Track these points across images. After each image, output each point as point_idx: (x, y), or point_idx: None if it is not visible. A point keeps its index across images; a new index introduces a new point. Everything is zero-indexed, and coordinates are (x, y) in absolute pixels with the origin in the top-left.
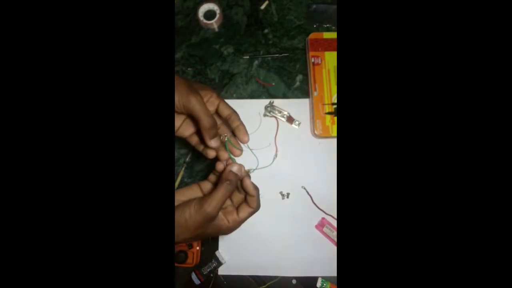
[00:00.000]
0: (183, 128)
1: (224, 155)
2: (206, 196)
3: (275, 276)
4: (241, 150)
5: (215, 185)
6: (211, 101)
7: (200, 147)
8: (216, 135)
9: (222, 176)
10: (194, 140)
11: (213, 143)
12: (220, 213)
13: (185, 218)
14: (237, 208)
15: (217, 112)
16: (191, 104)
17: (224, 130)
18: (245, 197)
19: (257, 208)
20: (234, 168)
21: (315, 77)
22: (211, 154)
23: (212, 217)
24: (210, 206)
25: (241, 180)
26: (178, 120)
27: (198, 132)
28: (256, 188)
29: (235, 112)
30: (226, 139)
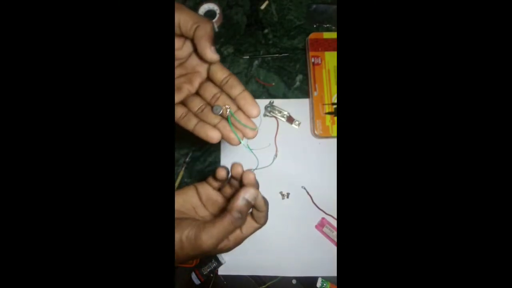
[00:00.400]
0: None
1: (231, 135)
2: (206, 225)
3: (275, 276)
4: (255, 128)
5: (219, 190)
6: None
7: (190, 123)
8: (213, 43)
9: (230, 205)
10: (179, 113)
11: (212, 52)
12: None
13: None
14: None
15: (208, 77)
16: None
17: (225, 101)
18: (252, 211)
19: (264, 223)
20: (248, 195)
21: (315, 77)
22: (215, 135)
23: (208, 253)
24: (208, 242)
25: None
26: None
27: (183, 102)
28: (266, 203)
29: (233, 75)
30: (228, 111)
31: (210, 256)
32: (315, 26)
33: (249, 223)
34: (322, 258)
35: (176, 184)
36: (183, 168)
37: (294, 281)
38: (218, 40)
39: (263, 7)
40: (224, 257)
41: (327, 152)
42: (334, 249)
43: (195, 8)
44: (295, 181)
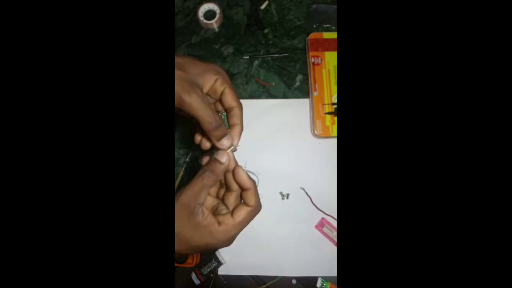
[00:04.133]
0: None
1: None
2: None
3: (275, 276)
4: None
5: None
6: (214, 88)
7: (198, 138)
8: (224, 134)
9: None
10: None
11: (225, 142)
12: (210, 216)
13: None
14: (233, 211)
15: (220, 99)
16: (186, 104)
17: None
18: (241, 194)
19: (256, 206)
20: (219, 156)
21: (315, 77)
22: (207, 145)
23: (190, 209)
24: (185, 195)
25: (233, 172)
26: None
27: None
28: (253, 181)
29: (240, 106)
30: (223, 115)
31: (210, 256)
32: (315, 26)
33: (240, 208)
34: (322, 258)
35: (176, 184)
36: (183, 168)
37: (294, 281)
38: (218, 40)
39: (263, 7)
40: (224, 257)
41: (327, 152)
42: (334, 249)
43: (195, 8)
44: (295, 181)
